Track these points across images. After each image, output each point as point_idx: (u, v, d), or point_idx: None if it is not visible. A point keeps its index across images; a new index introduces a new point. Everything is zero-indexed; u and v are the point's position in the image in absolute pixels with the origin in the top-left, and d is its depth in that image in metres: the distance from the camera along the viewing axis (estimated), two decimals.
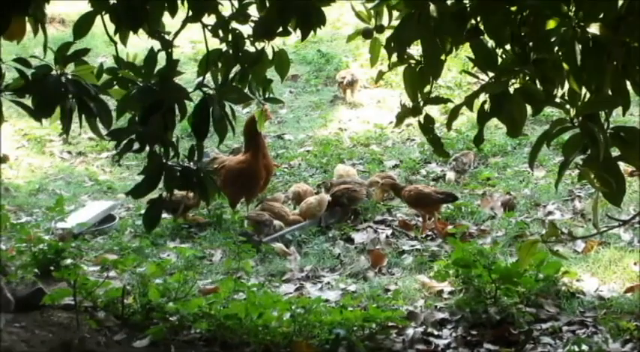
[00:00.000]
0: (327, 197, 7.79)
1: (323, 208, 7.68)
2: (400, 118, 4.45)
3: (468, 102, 4.06)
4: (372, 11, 4.68)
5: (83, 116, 4.29)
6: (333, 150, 9.59)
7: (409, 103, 4.38)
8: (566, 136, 3.93)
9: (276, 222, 7.44)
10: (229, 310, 5.36)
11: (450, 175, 8.56)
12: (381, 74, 4.73)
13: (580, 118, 3.80)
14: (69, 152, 9.94)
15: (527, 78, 4.00)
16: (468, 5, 4.00)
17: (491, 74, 3.98)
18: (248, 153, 7.88)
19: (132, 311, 5.59)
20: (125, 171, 9.36)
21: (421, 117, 4.40)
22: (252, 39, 4.46)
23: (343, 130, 10.32)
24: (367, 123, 10.44)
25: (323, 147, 9.67)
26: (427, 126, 4.40)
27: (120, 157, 4.48)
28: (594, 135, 3.73)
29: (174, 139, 4.26)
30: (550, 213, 7.70)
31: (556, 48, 3.83)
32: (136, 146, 4.19)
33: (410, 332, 5.54)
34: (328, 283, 6.55)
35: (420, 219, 7.57)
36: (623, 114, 4.13)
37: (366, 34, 4.72)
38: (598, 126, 3.79)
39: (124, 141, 4.20)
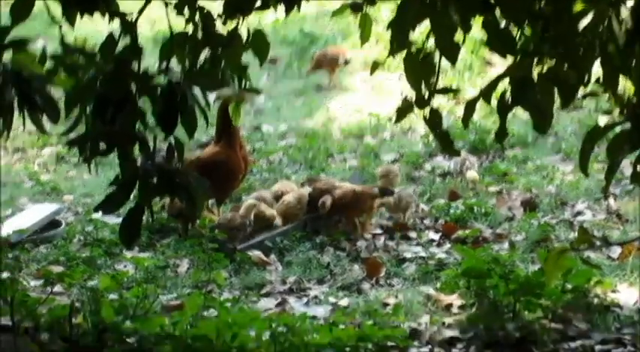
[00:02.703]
0: (308, 190, 7.82)
1: (304, 206, 7.71)
2: (401, 113, 4.47)
3: (485, 93, 4.07)
4: None
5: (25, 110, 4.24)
6: (320, 143, 9.64)
7: (412, 95, 4.40)
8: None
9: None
10: (198, 330, 5.34)
11: (472, 174, 8.52)
12: (376, 65, 4.74)
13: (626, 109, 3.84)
14: (5, 148, 9.94)
15: (554, 61, 4.01)
16: None
17: (509, 59, 4.01)
18: (220, 143, 7.88)
19: (81, 332, 5.54)
20: (72, 169, 9.38)
21: (427, 110, 4.41)
22: (223, 17, 4.44)
23: (332, 120, 10.37)
24: (360, 112, 10.50)
25: (308, 139, 9.72)
26: (434, 120, 4.43)
27: (89, 165, 4.39)
28: None
29: (149, 135, 4.19)
30: (579, 213, 7.75)
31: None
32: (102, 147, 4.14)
33: None
34: (315, 297, 6.55)
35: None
36: None
37: (355, 7, 4.70)
38: None
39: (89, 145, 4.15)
